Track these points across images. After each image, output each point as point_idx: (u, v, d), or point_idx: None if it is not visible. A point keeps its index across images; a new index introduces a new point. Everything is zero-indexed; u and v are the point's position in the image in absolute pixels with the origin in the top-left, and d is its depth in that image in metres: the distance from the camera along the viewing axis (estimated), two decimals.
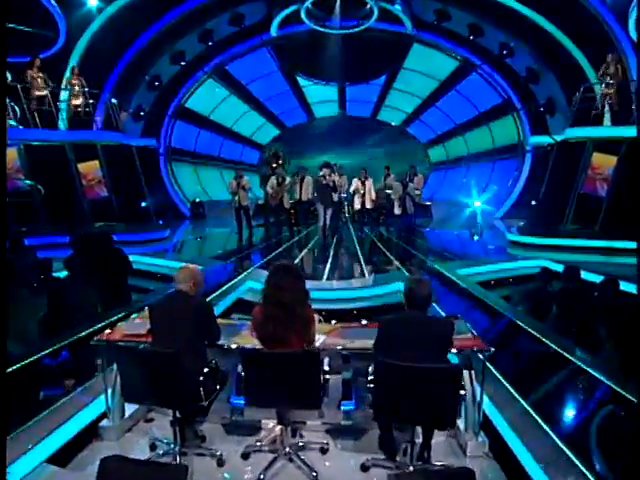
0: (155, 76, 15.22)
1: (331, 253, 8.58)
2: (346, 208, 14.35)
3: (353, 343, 3.05)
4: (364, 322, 3.42)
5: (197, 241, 11.59)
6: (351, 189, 10.70)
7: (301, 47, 16.45)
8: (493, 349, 2.84)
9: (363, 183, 10.45)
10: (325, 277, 6.56)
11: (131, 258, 5.75)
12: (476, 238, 11.02)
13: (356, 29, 15.24)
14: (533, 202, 12.42)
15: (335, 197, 9.87)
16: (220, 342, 2.99)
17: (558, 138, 12.06)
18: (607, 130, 10.53)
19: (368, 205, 10.59)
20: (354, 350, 3.03)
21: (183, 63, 15.44)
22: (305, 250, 9.13)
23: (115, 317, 4.30)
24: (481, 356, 2.86)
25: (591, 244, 9.41)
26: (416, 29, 15.65)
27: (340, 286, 6.07)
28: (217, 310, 4.93)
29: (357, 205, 10.72)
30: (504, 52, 14.62)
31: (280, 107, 19.82)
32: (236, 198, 10.35)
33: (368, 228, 11.47)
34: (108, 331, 3.28)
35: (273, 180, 10.77)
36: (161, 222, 12.78)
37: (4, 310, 2.45)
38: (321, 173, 9.31)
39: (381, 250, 9.36)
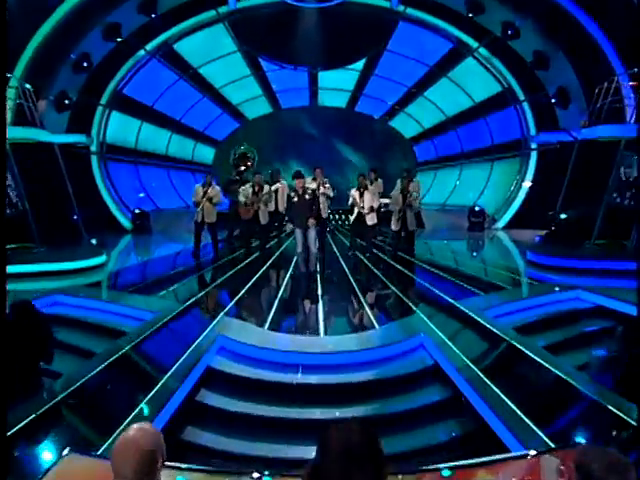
0: (83, 55, 14.07)
1: (319, 288, 7.50)
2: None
3: None
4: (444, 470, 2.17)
5: (142, 266, 10.41)
6: (350, 202, 9.69)
7: (265, 23, 15.88)
8: None
9: (362, 194, 9.40)
10: (322, 330, 5.46)
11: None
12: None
13: (331, 2, 14.96)
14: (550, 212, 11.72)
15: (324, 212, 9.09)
16: None
17: (578, 135, 11.55)
18: None
19: (369, 222, 9.55)
20: None
21: (119, 39, 14.46)
22: (285, 281, 8.06)
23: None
24: None
25: (624, 267, 8.60)
26: (402, 4, 15.34)
27: (343, 347, 4.96)
28: (179, 395, 3.89)
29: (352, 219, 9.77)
30: (508, 32, 14.10)
31: (240, 96, 19.27)
32: (199, 210, 9.76)
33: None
34: None
35: (248, 188, 9.91)
36: (94, 241, 11.91)
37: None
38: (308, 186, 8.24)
39: (378, 279, 8.37)
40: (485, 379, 4.21)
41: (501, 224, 16.56)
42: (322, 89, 19.67)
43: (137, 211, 16.13)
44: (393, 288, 7.59)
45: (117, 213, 16.26)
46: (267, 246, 10.89)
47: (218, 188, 10.25)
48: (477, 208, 16.52)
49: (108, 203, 16.09)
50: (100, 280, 8.53)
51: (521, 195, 16.30)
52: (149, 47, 15.65)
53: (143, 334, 5.02)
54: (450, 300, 6.64)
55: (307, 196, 7.86)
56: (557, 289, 7.58)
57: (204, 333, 5.11)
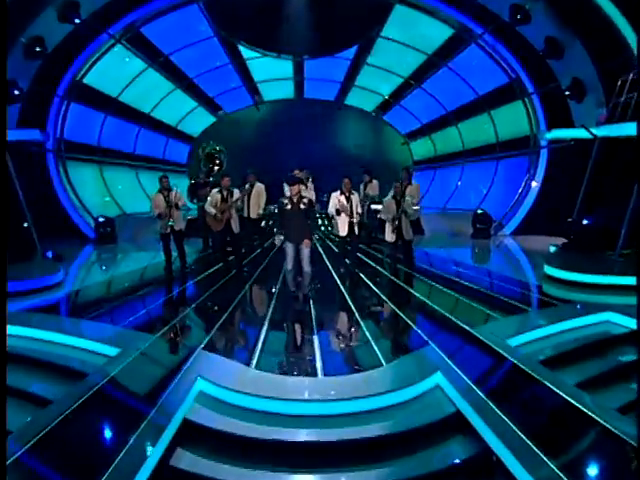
0: (36, 38, 13.58)
1: (313, 314, 7.08)
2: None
3: None
4: None
5: (105, 284, 9.91)
6: (331, 208, 9.30)
7: (245, 5, 15.67)
8: None
9: (348, 198, 9.04)
10: (320, 368, 5.02)
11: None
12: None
13: None
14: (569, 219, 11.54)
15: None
16: None
17: (598, 132, 11.38)
18: None
19: (357, 231, 9.31)
20: None
21: (78, 21, 13.98)
22: (273, 305, 7.60)
23: None
24: None
25: None
26: None
27: (346, 391, 4.53)
28: (151, 461, 3.44)
29: (343, 231, 9.32)
30: (517, 17, 13.89)
31: (217, 87, 19.48)
32: (169, 222, 9.56)
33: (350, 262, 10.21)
34: None
35: (216, 195, 9.45)
36: (50, 254, 11.47)
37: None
38: (287, 192, 7.83)
39: (380, 300, 8.03)
40: (519, 433, 3.79)
41: (508, 230, 16.53)
42: (308, 80, 19.84)
43: (101, 219, 15.87)
44: (397, 311, 7.21)
45: (78, 220, 16.08)
46: (245, 261, 10.56)
47: (180, 190, 9.96)
48: (481, 211, 16.49)
49: (67, 209, 15.87)
50: (55, 303, 8.02)
51: (530, 198, 16.26)
52: (113, 30, 15.30)
53: (106, 376, 4.53)
54: (465, 326, 6.27)
55: (302, 205, 7.44)
56: (584, 310, 7.29)
57: (179, 374, 4.65)
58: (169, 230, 9.62)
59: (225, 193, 9.42)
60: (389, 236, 9.54)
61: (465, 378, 4.65)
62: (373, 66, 18.46)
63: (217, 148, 16.48)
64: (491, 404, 4.16)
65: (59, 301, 8.29)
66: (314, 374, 4.94)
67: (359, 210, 9.31)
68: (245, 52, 17.97)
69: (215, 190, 9.61)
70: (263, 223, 14.78)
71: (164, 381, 4.54)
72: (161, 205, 9.50)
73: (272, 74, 19.27)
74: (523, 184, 16.67)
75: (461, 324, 6.41)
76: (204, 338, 5.83)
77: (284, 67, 19.09)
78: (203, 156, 16.30)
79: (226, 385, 4.51)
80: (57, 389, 4.74)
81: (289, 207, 7.46)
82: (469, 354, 5.62)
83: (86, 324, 6.67)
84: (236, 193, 9.62)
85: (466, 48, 16.45)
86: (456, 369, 4.85)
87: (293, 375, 4.92)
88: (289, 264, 7.70)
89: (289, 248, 7.63)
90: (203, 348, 5.38)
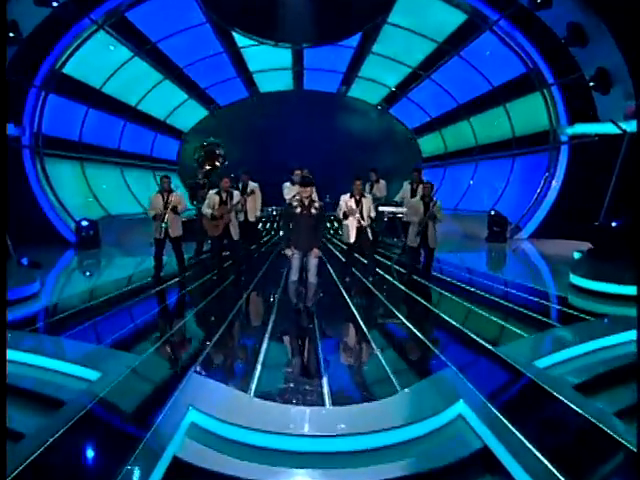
0: (9, 23, 13.46)
1: (318, 332, 6.86)
2: None
3: None
4: None
5: (86, 295, 9.71)
6: (339, 212, 9.28)
7: None
8: None
9: (359, 202, 8.98)
10: (327, 396, 4.79)
11: None
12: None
13: None
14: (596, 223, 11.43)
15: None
16: None
17: (627, 127, 11.25)
18: None
19: (370, 237, 9.27)
20: None
21: (56, 4, 13.93)
22: (273, 320, 7.38)
23: None
24: None
25: None
26: None
27: (357, 424, 4.29)
28: None
29: (350, 237, 9.26)
30: (537, 1, 13.77)
31: (209, 77, 19.55)
32: (163, 225, 9.56)
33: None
34: None
35: (214, 197, 9.36)
36: (25, 261, 11.28)
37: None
38: (295, 194, 7.69)
39: (392, 314, 7.81)
40: (557, 474, 3.56)
41: (525, 233, 16.64)
42: (308, 70, 19.98)
43: (83, 222, 15.76)
44: (412, 327, 6.98)
45: (57, 222, 16.05)
46: (242, 267, 10.48)
47: (180, 193, 10.05)
48: (494, 213, 16.51)
49: (45, 210, 15.85)
50: (29, 318, 7.74)
51: (549, 198, 16.35)
52: (95, 15, 15.23)
53: (83, 407, 4.27)
54: (488, 346, 6.05)
55: (314, 210, 7.31)
56: (617, 326, 7.09)
57: (169, 402, 4.40)
58: (163, 235, 9.62)
59: (224, 195, 9.33)
60: (413, 240, 9.54)
61: (491, 407, 4.42)
62: (379, 55, 18.49)
63: (218, 144, 16.33)
64: (523, 439, 3.92)
65: (34, 315, 8.01)
66: (320, 402, 4.71)
67: (372, 214, 9.29)
68: (240, 40, 17.94)
69: (213, 191, 9.53)
70: (260, 226, 14.73)
71: (151, 411, 4.27)
72: (158, 206, 9.59)
73: (269, 64, 19.35)
74: (542, 183, 16.71)
75: (483, 342, 6.20)
76: (196, 359, 5.60)
77: (282, 56, 19.12)
78: (202, 154, 16.14)
79: (222, 416, 4.26)
80: (29, 420, 4.47)
81: (298, 210, 7.31)
82: (494, 378, 5.38)
83: (64, 343, 6.42)
84: (236, 196, 9.54)
85: (480, 35, 16.42)
86: (480, 396, 4.62)
87: (297, 404, 4.69)
88: (293, 275, 7.53)
89: (294, 257, 7.46)
90: (196, 371, 5.16)
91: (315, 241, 7.45)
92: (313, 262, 7.46)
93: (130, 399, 4.79)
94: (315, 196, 9.84)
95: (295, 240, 7.47)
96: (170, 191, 9.70)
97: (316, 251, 7.42)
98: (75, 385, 5.04)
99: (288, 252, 7.50)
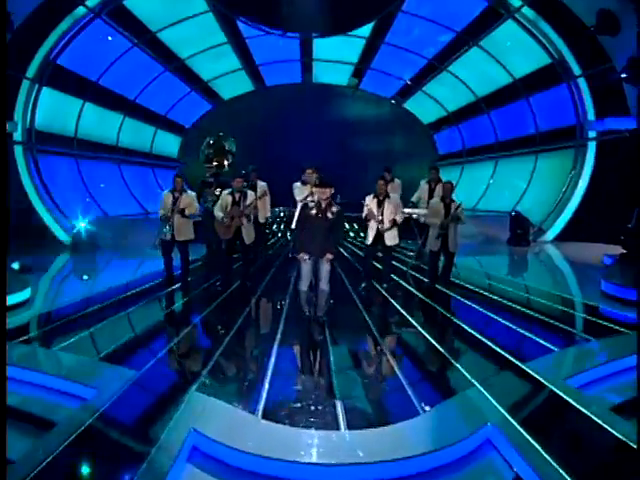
0: None
1: (331, 347, 6.74)
2: None
3: None
4: None
5: (82, 304, 9.65)
6: (363, 213, 9.49)
7: None
8: None
9: (381, 202, 8.99)
10: (342, 420, 4.63)
11: None
12: None
13: None
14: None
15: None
16: None
17: None
18: None
19: (389, 242, 9.25)
20: None
21: None
22: (281, 332, 7.25)
23: None
24: None
25: None
26: None
27: (375, 452, 4.13)
28: None
29: (368, 239, 9.40)
30: None
31: (213, 69, 19.56)
32: (164, 230, 9.66)
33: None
34: None
35: (227, 197, 9.28)
36: (16, 265, 11.16)
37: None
38: (308, 197, 7.63)
39: (410, 326, 7.69)
40: None
41: (550, 236, 16.71)
42: (318, 61, 19.96)
43: (78, 222, 15.73)
44: (431, 339, 6.83)
45: (51, 223, 16.08)
46: (251, 271, 10.45)
47: (193, 194, 10.04)
48: (516, 214, 16.54)
49: (39, 210, 15.93)
50: (19, 327, 7.68)
51: (576, 199, 16.41)
52: (91, 3, 15.33)
53: (80, 426, 4.16)
54: (517, 362, 5.89)
55: (330, 215, 7.25)
56: None
57: (169, 424, 4.27)
58: (169, 237, 9.69)
59: (237, 196, 9.25)
60: (434, 244, 9.46)
61: (522, 431, 4.26)
62: (393, 46, 18.47)
63: (229, 140, 16.18)
64: (559, 468, 3.75)
65: (25, 325, 7.94)
66: (334, 424, 4.55)
67: (397, 217, 9.23)
68: (245, 30, 17.90)
69: (226, 192, 9.46)
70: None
71: (150, 434, 4.18)
72: (167, 206, 9.65)
73: (276, 55, 19.38)
74: (567, 182, 16.70)
75: (509, 357, 6.06)
76: (199, 375, 5.48)
77: (290, 47, 19.15)
78: (211, 150, 15.99)
79: (226, 440, 4.11)
80: (16, 444, 4.34)
81: (314, 212, 7.23)
82: (524, 398, 5.24)
83: (56, 356, 6.36)
84: (250, 196, 9.45)
85: (501, 24, 16.39)
86: (510, 419, 4.46)
87: (308, 426, 4.53)
88: (304, 284, 7.43)
89: (305, 263, 7.35)
90: (197, 389, 5.02)
91: (329, 246, 7.37)
92: (325, 268, 7.40)
93: (126, 420, 4.69)
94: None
95: (307, 244, 7.41)
96: (182, 192, 9.73)
97: (329, 255, 7.36)
98: (65, 403, 4.96)
99: (304, 257, 7.38)
